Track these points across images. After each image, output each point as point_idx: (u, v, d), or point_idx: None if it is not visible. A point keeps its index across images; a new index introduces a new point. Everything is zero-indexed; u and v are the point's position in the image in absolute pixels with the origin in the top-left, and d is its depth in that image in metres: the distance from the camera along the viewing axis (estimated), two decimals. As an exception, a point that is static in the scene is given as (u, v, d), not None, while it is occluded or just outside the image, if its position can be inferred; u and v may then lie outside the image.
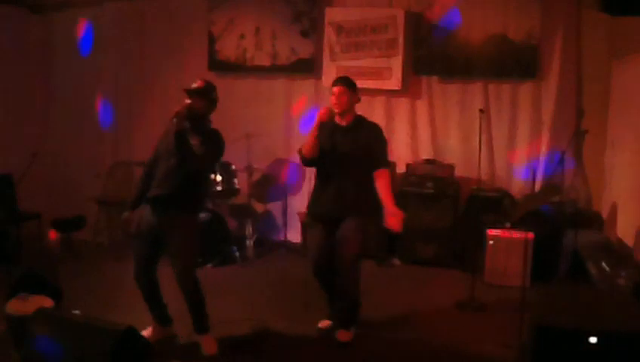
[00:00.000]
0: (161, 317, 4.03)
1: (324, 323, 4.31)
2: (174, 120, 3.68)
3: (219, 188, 5.87)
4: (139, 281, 3.90)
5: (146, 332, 3.90)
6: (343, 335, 4.05)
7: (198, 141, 3.65)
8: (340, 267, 3.97)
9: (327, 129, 4.02)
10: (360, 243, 3.96)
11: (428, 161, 6.04)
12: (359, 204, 3.97)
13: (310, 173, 6.55)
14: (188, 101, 3.75)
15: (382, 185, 3.95)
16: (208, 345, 3.86)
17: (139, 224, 3.89)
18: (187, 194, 3.80)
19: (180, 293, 3.84)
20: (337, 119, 4.05)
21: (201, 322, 3.88)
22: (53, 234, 6.10)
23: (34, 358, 3.21)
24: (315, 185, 4.19)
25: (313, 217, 4.29)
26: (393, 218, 3.86)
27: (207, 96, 3.82)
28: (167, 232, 3.79)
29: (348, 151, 3.99)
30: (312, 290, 5.08)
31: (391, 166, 4.36)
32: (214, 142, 3.79)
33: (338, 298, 4.14)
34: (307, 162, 4.11)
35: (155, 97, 6.85)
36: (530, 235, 4.97)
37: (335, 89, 4.08)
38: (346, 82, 4.12)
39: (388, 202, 3.90)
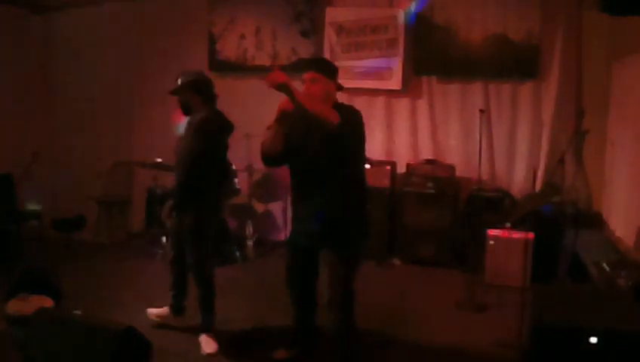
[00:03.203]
0: (177, 305, 4.20)
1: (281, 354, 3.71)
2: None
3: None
4: (172, 266, 4.18)
5: (159, 310, 4.19)
6: None
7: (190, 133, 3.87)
8: (336, 314, 3.34)
9: (300, 124, 3.28)
10: (350, 287, 3.33)
11: (428, 161, 6.04)
12: (350, 225, 3.30)
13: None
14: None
15: None
16: (208, 344, 3.88)
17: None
18: (187, 190, 3.93)
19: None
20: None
21: (205, 319, 3.95)
22: None
23: (34, 358, 3.21)
24: (294, 200, 3.47)
25: (295, 231, 3.48)
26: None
27: (189, 88, 3.94)
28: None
29: (325, 146, 3.20)
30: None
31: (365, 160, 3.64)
32: (197, 132, 3.86)
33: (334, 340, 3.43)
34: (270, 160, 3.40)
35: (155, 97, 6.83)
36: (530, 235, 4.97)
37: (306, 76, 3.29)
38: (318, 66, 3.36)
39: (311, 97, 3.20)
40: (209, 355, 3.83)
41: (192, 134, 3.83)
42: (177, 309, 4.21)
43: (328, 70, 3.34)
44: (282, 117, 3.26)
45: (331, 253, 3.30)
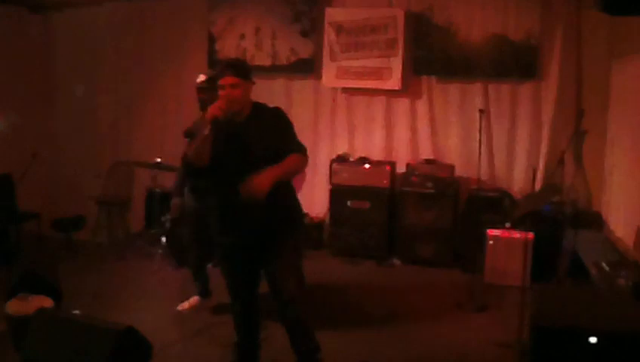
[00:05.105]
0: (205, 289, 4.61)
1: None
2: None
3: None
4: (198, 256, 4.60)
5: (189, 302, 4.58)
6: None
7: None
8: (289, 315, 3.31)
9: (223, 130, 3.13)
10: (302, 277, 3.33)
11: (428, 161, 6.04)
12: (285, 218, 3.27)
13: (310, 171, 6.56)
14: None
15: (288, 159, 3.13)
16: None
17: None
18: None
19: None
20: (233, 115, 3.15)
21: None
22: None
23: (34, 358, 3.21)
24: (220, 211, 3.27)
25: (227, 246, 3.32)
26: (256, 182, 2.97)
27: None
28: None
29: (254, 149, 3.14)
30: (312, 290, 5.09)
31: (306, 152, 3.29)
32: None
33: (295, 352, 3.37)
34: (195, 171, 3.27)
35: (155, 97, 6.85)
36: (530, 235, 4.97)
37: (224, 81, 3.13)
38: (237, 70, 3.19)
39: (274, 168, 3.04)
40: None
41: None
42: (206, 292, 4.62)
43: (246, 73, 3.23)
44: (214, 125, 3.02)
45: (274, 252, 3.25)
